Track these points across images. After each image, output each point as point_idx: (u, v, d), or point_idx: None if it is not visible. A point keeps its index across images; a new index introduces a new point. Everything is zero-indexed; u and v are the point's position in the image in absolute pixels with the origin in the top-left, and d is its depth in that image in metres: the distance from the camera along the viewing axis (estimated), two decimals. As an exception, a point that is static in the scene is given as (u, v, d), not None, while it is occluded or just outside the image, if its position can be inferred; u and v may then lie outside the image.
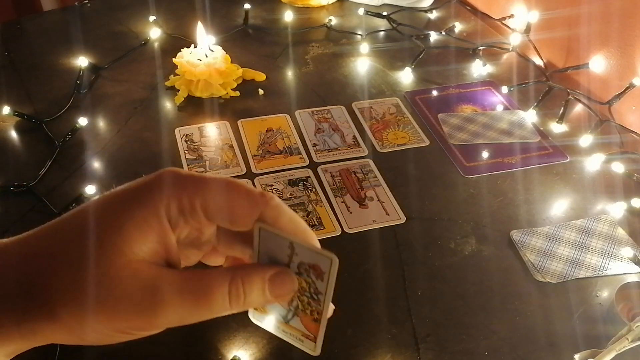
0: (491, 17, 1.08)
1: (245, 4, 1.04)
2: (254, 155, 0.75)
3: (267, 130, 0.80)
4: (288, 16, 1.05)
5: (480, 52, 0.98)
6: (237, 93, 0.86)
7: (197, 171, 0.72)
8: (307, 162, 0.75)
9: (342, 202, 0.69)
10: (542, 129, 0.82)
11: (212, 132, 0.79)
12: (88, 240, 0.25)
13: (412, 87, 0.90)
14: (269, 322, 0.33)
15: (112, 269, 0.25)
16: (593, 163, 0.75)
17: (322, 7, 1.12)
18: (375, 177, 0.72)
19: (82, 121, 0.77)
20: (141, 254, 0.26)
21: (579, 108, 0.86)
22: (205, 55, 0.84)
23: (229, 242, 0.31)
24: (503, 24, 1.05)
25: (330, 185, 0.71)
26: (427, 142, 0.79)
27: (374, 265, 0.60)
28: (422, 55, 0.95)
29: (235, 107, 0.84)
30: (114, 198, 0.27)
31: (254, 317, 0.33)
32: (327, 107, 0.84)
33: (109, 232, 0.25)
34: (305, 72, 0.93)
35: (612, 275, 0.60)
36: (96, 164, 0.73)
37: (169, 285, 0.26)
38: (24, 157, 0.74)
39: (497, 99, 0.88)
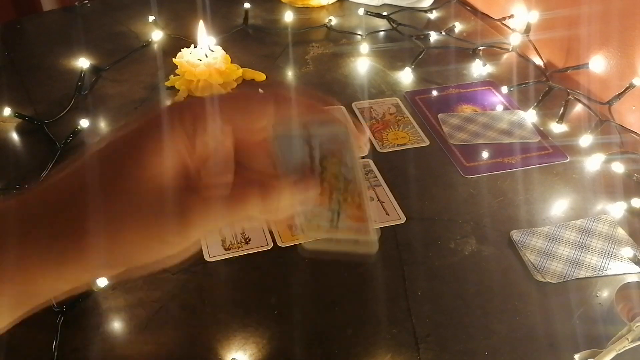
0: (491, 17, 1.08)
1: (245, 3, 1.04)
2: (254, 156, 0.75)
3: (267, 131, 0.80)
4: (288, 16, 1.05)
5: (480, 52, 0.98)
6: (237, 93, 0.86)
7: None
8: (307, 162, 0.74)
9: (342, 202, 0.69)
10: (542, 129, 0.82)
11: (212, 132, 0.79)
12: (113, 168, 0.26)
13: (412, 87, 0.90)
14: (322, 240, 0.33)
15: (141, 184, 0.26)
16: (593, 163, 0.75)
17: (322, 7, 1.12)
18: (375, 177, 0.73)
19: (84, 123, 0.77)
20: (164, 171, 0.27)
21: (579, 108, 0.86)
22: (205, 55, 0.84)
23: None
24: (503, 24, 1.05)
25: (330, 186, 0.71)
26: (427, 142, 0.79)
27: (374, 265, 0.60)
28: (422, 55, 0.95)
29: (236, 107, 0.84)
30: (124, 135, 0.27)
31: (307, 246, 0.33)
32: (327, 107, 0.84)
33: (131, 155, 0.26)
34: (305, 72, 0.93)
35: (612, 275, 0.60)
36: (96, 164, 0.73)
37: (202, 192, 0.27)
38: (25, 158, 0.74)
39: (497, 99, 0.88)
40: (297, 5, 1.11)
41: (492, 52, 0.99)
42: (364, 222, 0.31)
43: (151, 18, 1.01)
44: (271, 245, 0.62)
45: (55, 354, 0.50)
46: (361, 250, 0.32)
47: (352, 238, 0.32)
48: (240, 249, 0.61)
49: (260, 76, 0.90)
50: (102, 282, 0.55)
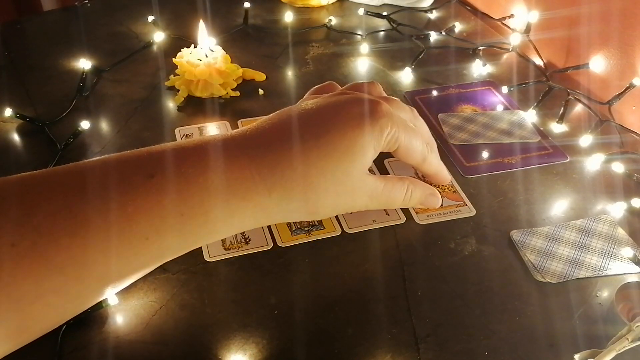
0: (491, 17, 1.08)
1: (245, 3, 1.04)
2: (254, 156, 0.75)
3: (267, 131, 0.79)
4: (288, 16, 1.05)
5: (480, 52, 0.98)
6: (237, 93, 0.86)
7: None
8: (307, 162, 0.74)
9: (342, 202, 0.69)
10: (542, 129, 0.82)
11: (213, 132, 0.79)
12: (345, 163, 0.43)
13: (412, 87, 0.90)
14: (432, 215, 0.62)
15: (357, 181, 0.44)
16: (593, 163, 0.75)
17: (322, 7, 1.12)
18: (376, 177, 0.72)
19: (84, 124, 0.77)
20: (366, 169, 0.45)
21: (579, 108, 0.86)
22: (205, 55, 0.84)
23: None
24: (503, 24, 1.05)
25: (330, 186, 0.71)
26: (427, 142, 0.79)
27: (374, 265, 0.61)
28: (422, 55, 0.95)
29: (235, 107, 0.84)
30: (355, 130, 0.44)
31: (422, 221, 0.60)
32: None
33: (358, 161, 0.43)
34: (305, 72, 0.93)
35: (612, 275, 0.60)
36: (96, 165, 0.73)
37: (380, 189, 0.46)
38: (26, 160, 0.74)
39: (497, 99, 0.88)
40: (297, 5, 1.11)
41: (492, 52, 0.99)
42: (460, 200, 0.59)
43: (151, 18, 1.01)
44: (271, 245, 0.62)
45: (57, 357, 0.50)
46: (462, 215, 0.59)
47: (454, 209, 0.58)
48: (240, 249, 0.61)
49: (261, 76, 0.90)
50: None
